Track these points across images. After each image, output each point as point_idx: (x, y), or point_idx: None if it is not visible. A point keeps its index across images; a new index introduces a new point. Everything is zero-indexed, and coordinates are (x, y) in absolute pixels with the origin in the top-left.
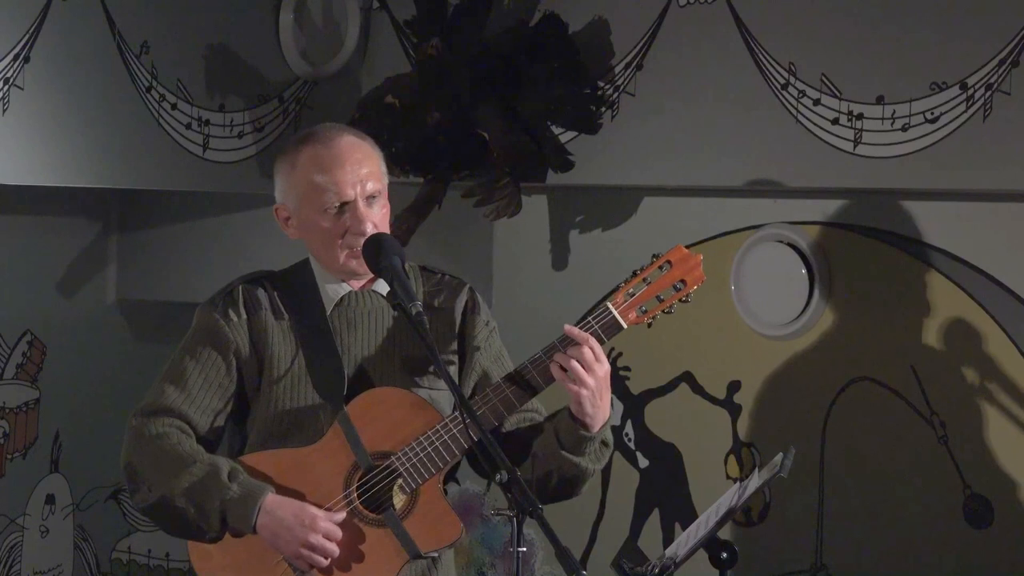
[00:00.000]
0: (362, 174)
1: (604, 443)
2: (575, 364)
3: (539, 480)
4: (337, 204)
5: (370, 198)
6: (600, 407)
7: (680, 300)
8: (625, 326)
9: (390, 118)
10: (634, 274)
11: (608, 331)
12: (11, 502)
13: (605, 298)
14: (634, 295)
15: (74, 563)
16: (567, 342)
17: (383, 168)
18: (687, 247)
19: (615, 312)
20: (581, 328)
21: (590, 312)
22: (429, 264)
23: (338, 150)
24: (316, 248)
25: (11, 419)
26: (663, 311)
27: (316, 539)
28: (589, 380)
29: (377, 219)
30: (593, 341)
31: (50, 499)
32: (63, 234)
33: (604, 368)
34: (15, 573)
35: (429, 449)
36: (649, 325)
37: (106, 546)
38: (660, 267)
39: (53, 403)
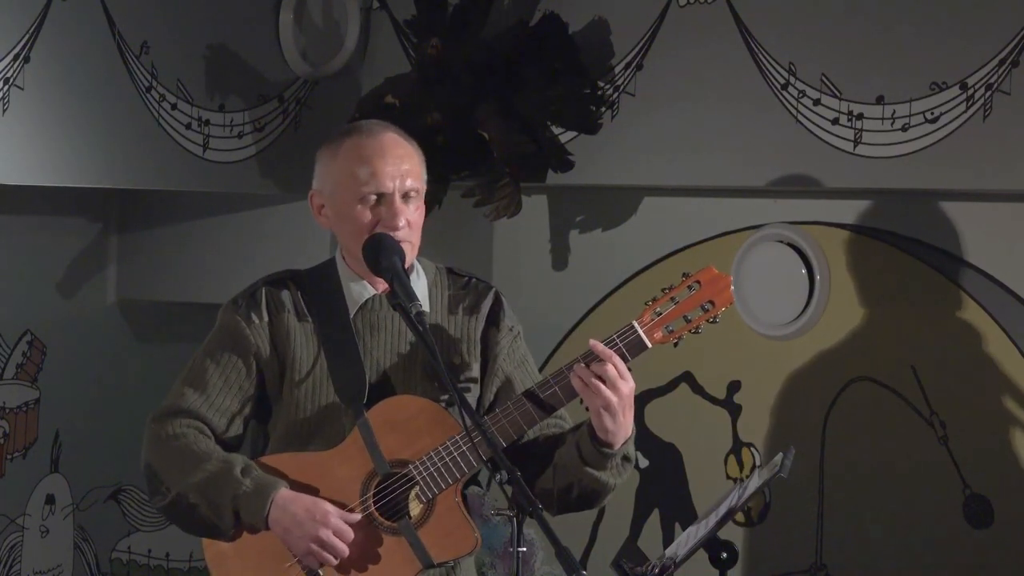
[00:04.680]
0: (403, 170)
1: (626, 458)
2: (596, 381)
3: (560, 492)
4: (375, 195)
5: (407, 195)
6: (622, 424)
7: (708, 321)
8: (650, 345)
9: (390, 118)
10: (663, 292)
11: (633, 350)
12: (11, 502)
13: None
14: (661, 314)
15: (74, 563)
16: (591, 357)
17: (423, 171)
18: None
19: (640, 331)
20: (605, 345)
21: (616, 330)
22: (456, 267)
23: (381, 143)
24: (346, 239)
25: (11, 419)
26: (690, 331)
27: (327, 535)
28: (611, 397)
29: (412, 217)
30: (616, 358)
31: (50, 499)
32: (63, 234)
33: (628, 386)
34: (15, 573)
35: (447, 459)
36: (675, 344)
37: (106, 546)
38: (689, 286)
39: (53, 403)
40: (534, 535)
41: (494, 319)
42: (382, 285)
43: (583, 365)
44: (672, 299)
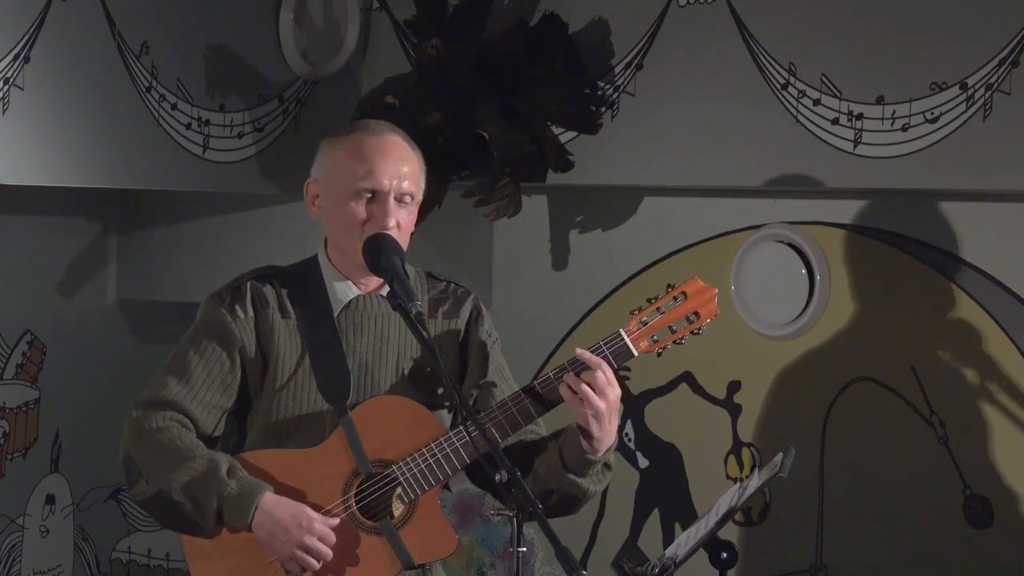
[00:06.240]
0: (402, 172)
1: (607, 465)
2: (585, 387)
3: (539, 497)
4: (370, 191)
5: (401, 197)
6: (608, 431)
7: (692, 332)
8: (636, 354)
9: (390, 118)
10: (648, 302)
11: (619, 358)
12: (11, 502)
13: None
14: (647, 323)
15: (74, 563)
16: (578, 366)
17: (422, 179)
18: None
19: (627, 339)
20: (592, 352)
21: (603, 337)
22: (435, 271)
23: (384, 143)
24: (335, 231)
25: (11, 419)
26: (674, 342)
27: (311, 541)
28: (600, 404)
29: (404, 220)
30: (605, 366)
31: (50, 499)
32: (63, 234)
33: (615, 392)
34: (15, 573)
35: (431, 460)
36: (659, 354)
37: (106, 546)
38: (675, 298)
39: (53, 403)
40: (534, 535)
41: (473, 326)
42: (365, 284)
43: (572, 374)
44: (658, 309)
